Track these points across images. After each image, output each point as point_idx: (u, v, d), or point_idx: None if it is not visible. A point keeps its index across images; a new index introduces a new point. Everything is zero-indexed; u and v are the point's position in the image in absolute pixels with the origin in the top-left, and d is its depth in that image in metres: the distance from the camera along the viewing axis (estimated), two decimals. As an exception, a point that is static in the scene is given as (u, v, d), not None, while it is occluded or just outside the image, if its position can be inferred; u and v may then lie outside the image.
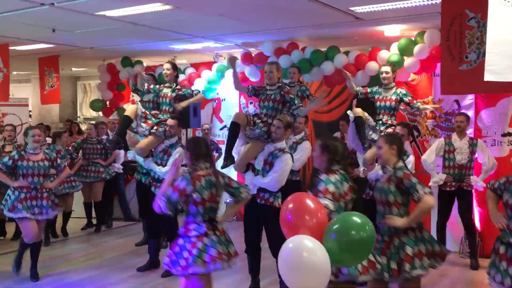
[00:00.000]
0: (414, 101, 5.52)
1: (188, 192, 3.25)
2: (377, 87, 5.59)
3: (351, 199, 3.19)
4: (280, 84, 4.76)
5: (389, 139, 3.35)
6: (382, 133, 5.29)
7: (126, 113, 5.52)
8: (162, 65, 8.52)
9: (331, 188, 3.06)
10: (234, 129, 4.63)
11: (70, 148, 7.09)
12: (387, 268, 3.08)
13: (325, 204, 2.88)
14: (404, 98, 5.43)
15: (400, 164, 3.28)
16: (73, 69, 10.85)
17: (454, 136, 5.69)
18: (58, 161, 5.23)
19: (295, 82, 6.04)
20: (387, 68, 5.53)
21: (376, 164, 5.11)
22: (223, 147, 7.54)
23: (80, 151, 7.24)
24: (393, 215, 3.15)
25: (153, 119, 5.45)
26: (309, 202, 2.56)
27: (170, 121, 5.31)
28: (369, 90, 5.61)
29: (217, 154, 7.53)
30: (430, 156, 5.71)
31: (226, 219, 3.70)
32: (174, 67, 5.62)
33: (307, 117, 6.22)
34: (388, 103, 5.43)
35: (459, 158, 5.57)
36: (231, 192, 3.55)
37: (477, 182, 5.54)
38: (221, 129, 8.49)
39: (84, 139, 7.41)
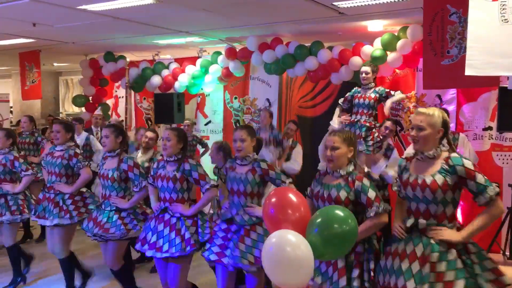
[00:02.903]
0: (392, 92, 5.56)
1: None
2: (356, 87, 5.68)
3: None
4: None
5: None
6: (361, 139, 5.31)
7: None
8: (145, 60, 8.56)
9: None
10: None
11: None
12: None
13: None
14: (382, 95, 5.48)
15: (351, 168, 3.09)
16: (55, 64, 10.71)
17: None
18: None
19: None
20: (366, 69, 5.59)
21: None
22: (208, 142, 7.57)
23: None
24: None
25: None
26: (292, 197, 2.57)
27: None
28: (348, 94, 5.71)
29: (203, 149, 7.50)
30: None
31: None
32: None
33: (297, 123, 6.60)
34: (367, 101, 5.48)
35: None
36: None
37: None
38: (206, 124, 8.48)
39: (19, 132, 7.05)
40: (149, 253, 3.73)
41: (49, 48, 8.00)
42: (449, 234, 2.67)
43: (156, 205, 3.87)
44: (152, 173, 3.94)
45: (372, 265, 2.93)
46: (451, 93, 6.22)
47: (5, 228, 4.83)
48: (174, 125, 7.16)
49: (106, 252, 4.20)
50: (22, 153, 6.52)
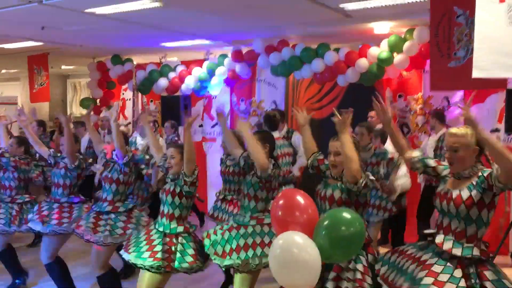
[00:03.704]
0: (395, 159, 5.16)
1: None
2: None
3: None
4: None
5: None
6: None
7: None
8: (152, 62, 8.59)
9: None
10: None
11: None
12: None
13: None
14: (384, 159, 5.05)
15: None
16: (63, 67, 10.80)
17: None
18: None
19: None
20: (362, 130, 5.01)
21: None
22: (215, 145, 7.56)
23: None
24: None
25: None
26: (299, 199, 2.57)
27: None
28: None
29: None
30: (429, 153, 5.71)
31: None
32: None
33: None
34: (369, 168, 4.94)
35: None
36: None
37: None
38: (213, 126, 8.49)
39: None
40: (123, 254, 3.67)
41: (57, 51, 8.07)
42: (473, 117, 2.58)
43: None
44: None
45: (359, 275, 2.89)
46: (459, 94, 6.20)
47: None
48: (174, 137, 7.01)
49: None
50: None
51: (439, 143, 5.74)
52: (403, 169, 5.18)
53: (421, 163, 2.95)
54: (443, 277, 2.57)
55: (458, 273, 2.59)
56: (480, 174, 2.69)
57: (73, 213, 4.39)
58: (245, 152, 3.75)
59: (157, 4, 5.00)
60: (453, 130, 2.80)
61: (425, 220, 6.06)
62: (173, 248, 3.48)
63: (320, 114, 7.54)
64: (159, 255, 3.41)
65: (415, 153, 3.00)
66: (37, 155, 5.34)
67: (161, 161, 3.83)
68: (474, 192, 2.65)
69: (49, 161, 4.64)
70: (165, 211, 3.64)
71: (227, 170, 4.79)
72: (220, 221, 4.63)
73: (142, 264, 3.44)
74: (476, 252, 2.64)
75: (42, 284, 5.17)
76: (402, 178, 5.13)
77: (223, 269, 4.02)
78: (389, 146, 4.96)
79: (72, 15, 5.46)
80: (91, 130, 4.63)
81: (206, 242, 3.57)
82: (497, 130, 6.00)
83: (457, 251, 2.64)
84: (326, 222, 2.52)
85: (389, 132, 3.07)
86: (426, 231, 2.78)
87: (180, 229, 3.59)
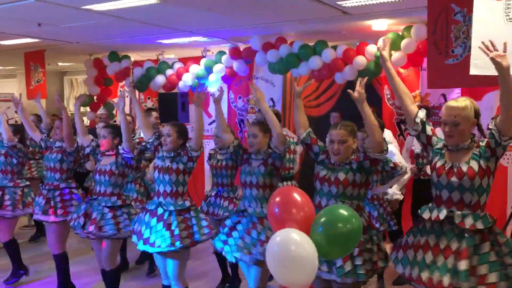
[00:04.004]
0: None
1: None
2: None
3: None
4: None
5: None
6: None
7: None
8: (149, 59, 8.57)
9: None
10: None
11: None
12: None
13: None
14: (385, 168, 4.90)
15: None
16: (60, 64, 10.76)
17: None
18: None
19: None
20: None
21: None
22: (212, 142, 7.55)
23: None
24: None
25: None
26: (296, 196, 2.58)
27: None
28: None
29: None
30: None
31: None
32: None
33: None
34: None
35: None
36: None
37: None
38: (210, 124, 8.48)
39: None
40: (141, 247, 3.75)
41: (54, 48, 8.04)
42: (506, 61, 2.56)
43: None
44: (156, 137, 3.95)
45: (375, 257, 3.01)
46: (456, 92, 6.20)
47: (1, 223, 4.88)
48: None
49: (99, 252, 4.19)
50: (31, 149, 6.55)
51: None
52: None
53: (422, 125, 2.90)
54: (474, 261, 2.58)
55: (485, 248, 2.61)
56: (480, 144, 2.72)
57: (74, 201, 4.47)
58: (236, 140, 3.82)
59: (154, 1, 4.99)
60: (453, 103, 2.76)
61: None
62: (189, 223, 3.66)
63: (317, 112, 7.55)
64: (183, 234, 3.58)
65: (421, 113, 2.93)
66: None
67: (151, 139, 3.89)
68: (482, 162, 2.68)
69: (40, 145, 4.74)
70: (168, 190, 3.72)
71: (219, 164, 4.77)
72: (217, 217, 4.65)
73: (168, 249, 3.56)
74: (490, 219, 2.71)
75: (38, 282, 5.18)
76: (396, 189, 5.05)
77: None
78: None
79: (69, 12, 5.44)
80: (78, 119, 4.51)
81: (227, 249, 3.59)
82: (494, 127, 6.01)
83: (479, 225, 2.65)
84: (323, 219, 2.52)
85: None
86: (441, 216, 2.73)
87: (188, 203, 3.75)
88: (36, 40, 7.32)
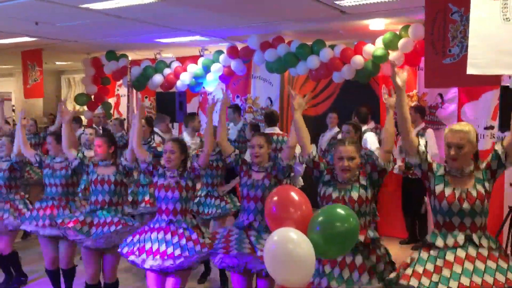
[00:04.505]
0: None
1: None
2: None
3: None
4: None
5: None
6: None
7: None
8: (147, 58, 8.57)
9: None
10: None
11: None
12: None
13: None
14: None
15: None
16: (57, 63, 10.74)
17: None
18: None
19: None
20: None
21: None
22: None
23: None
24: None
25: None
26: (294, 195, 2.58)
27: None
28: None
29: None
30: (432, 150, 5.74)
31: None
32: None
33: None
34: None
35: None
36: None
37: None
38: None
39: None
40: (151, 263, 3.45)
41: (52, 46, 8.03)
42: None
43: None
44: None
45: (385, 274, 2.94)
46: (453, 91, 6.21)
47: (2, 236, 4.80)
48: (174, 135, 6.91)
49: (103, 265, 4.06)
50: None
51: (418, 137, 5.76)
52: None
53: (425, 154, 2.91)
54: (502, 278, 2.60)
55: (504, 264, 2.66)
56: (480, 166, 2.77)
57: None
58: (237, 151, 3.79)
59: (152, 0, 4.98)
60: (457, 126, 2.79)
61: (412, 214, 6.30)
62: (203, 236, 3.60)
63: (315, 111, 7.56)
64: (207, 241, 3.56)
65: (422, 141, 2.97)
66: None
67: (149, 159, 3.75)
68: (486, 185, 2.75)
69: (35, 160, 4.47)
70: (178, 207, 3.58)
71: (212, 165, 4.80)
72: (206, 216, 4.75)
73: (197, 255, 3.49)
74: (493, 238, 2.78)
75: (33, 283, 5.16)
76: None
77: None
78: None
79: (67, 10, 5.43)
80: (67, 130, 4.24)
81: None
82: (491, 127, 6.03)
83: (492, 244, 2.72)
84: (320, 218, 2.53)
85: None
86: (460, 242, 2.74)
87: (194, 221, 3.69)
88: (34, 38, 7.31)
